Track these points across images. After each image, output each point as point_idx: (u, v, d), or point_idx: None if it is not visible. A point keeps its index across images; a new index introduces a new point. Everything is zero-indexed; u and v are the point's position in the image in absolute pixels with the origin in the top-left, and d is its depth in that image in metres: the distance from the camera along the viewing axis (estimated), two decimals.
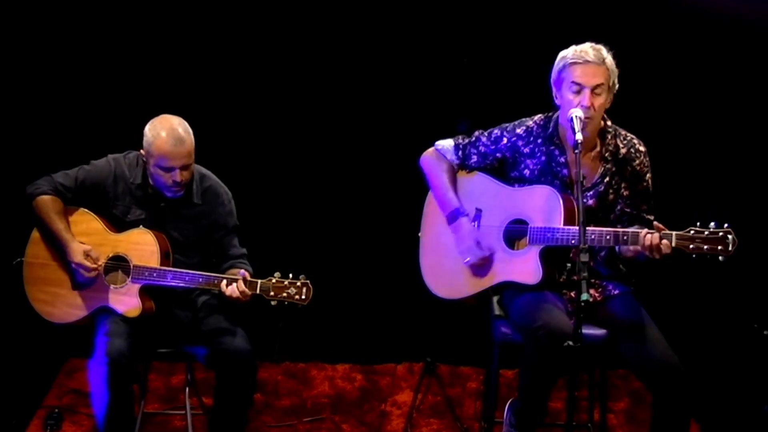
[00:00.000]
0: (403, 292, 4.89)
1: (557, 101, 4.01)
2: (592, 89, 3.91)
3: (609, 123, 4.08)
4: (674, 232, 3.77)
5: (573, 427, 3.75)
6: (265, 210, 5.29)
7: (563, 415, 3.89)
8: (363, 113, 5.45)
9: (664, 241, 3.77)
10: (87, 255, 4.12)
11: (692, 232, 3.74)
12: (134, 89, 5.27)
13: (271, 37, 5.37)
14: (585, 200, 3.78)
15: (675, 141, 5.23)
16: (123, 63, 5.29)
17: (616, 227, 3.93)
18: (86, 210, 4.22)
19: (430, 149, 4.28)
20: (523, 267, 4.01)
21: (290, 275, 3.98)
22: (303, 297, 3.97)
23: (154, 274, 4.09)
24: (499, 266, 4.08)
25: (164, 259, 4.11)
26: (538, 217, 4.00)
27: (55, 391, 5.08)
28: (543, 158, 4.08)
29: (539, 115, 4.15)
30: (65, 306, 4.20)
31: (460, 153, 4.21)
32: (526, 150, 4.11)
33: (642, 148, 4.08)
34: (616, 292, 4.10)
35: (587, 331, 3.89)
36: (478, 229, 4.14)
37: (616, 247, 4.02)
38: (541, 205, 4.01)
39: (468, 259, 4.13)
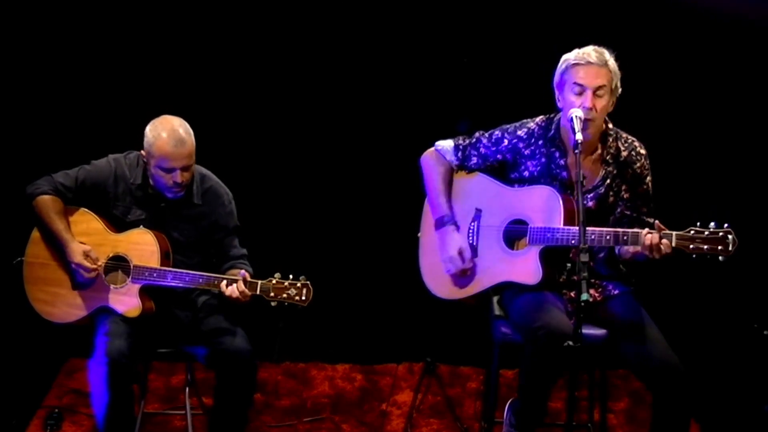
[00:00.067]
0: (403, 292, 4.89)
1: (559, 104, 4.01)
2: (594, 91, 3.91)
3: (610, 126, 4.08)
4: (674, 232, 3.77)
5: (573, 427, 3.75)
6: (265, 210, 5.29)
7: (563, 415, 3.89)
8: (363, 113, 5.45)
9: (664, 241, 3.77)
10: (87, 255, 4.12)
11: (692, 232, 3.74)
12: (135, 89, 5.27)
13: (272, 37, 5.37)
14: (585, 202, 3.78)
15: (675, 141, 5.23)
16: (124, 63, 5.29)
17: (615, 229, 3.93)
18: (86, 210, 4.22)
19: (431, 149, 4.28)
20: (523, 267, 4.01)
21: (290, 276, 3.98)
22: (303, 298, 3.97)
23: (154, 275, 4.09)
24: (499, 266, 4.08)
25: (164, 259, 4.11)
26: (538, 218, 4.00)
27: (55, 391, 5.08)
28: (543, 160, 4.08)
29: (541, 117, 4.15)
30: (65, 306, 4.20)
31: (459, 154, 4.21)
32: (527, 152, 4.10)
33: (643, 151, 4.09)
34: (616, 292, 4.10)
35: (587, 331, 3.89)
36: (477, 230, 4.15)
37: (616, 250, 4.03)
38: (541, 206, 4.01)
39: (449, 268, 4.15)
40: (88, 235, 4.18)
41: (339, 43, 5.38)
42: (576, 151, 3.80)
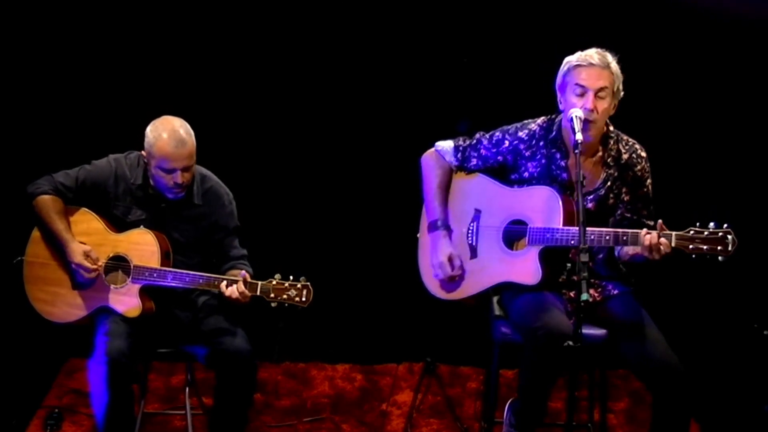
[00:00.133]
0: (403, 292, 4.89)
1: (561, 106, 4.01)
2: (596, 92, 3.91)
3: (611, 128, 4.08)
4: (674, 232, 3.77)
5: (573, 427, 3.75)
6: (265, 211, 5.29)
7: (563, 415, 3.89)
8: (363, 114, 5.45)
9: (663, 240, 3.76)
10: (87, 255, 4.12)
11: (692, 232, 3.74)
12: (136, 89, 5.27)
13: (272, 37, 5.37)
14: (584, 203, 3.78)
15: (675, 141, 5.23)
16: (125, 63, 5.29)
17: (615, 229, 3.93)
18: (87, 210, 4.23)
19: (431, 150, 4.28)
20: (523, 267, 4.01)
21: (290, 277, 3.98)
22: (303, 299, 3.97)
23: (155, 275, 4.09)
24: (499, 267, 4.09)
25: (164, 259, 4.11)
26: (538, 218, 4.01)
27: (55, 391, 5.08)
28: (543, 161, 4.08)
29: (542, 118, 4.15)
30: (65, 305, 4.20)
31: (459, 155, 4.21)
32: (527, 153, 4.10)
33: (643, 154, 4.09)
34: (616, 292, 4.10)
35: (587, 331, 3.89)
36: (476, 230, 4.15)
37: (616, 252, 4.03)
38: (541, 206, 4.01)
39: (437, 273, 4.16)
40: (88, 235, 4.18)
41: (339, 44, 5.38)
42: (576, 151, 3.80)
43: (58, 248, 4.17)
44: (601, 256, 4.10)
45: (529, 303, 3.96)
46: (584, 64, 3.93)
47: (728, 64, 5.26)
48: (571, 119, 3.88)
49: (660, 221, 3.81)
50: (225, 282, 4.01)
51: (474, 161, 4.20)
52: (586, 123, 3.90)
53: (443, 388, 5.12)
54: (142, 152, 4.14)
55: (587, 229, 3.70)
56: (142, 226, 4.17)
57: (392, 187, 5.28)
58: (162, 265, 4.10)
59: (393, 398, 5.13)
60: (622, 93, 3.98)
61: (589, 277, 3.58)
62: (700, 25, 5.22)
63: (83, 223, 4.20)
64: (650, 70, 5.12)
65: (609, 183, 4.06)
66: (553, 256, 4.00)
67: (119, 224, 4.21)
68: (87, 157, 4.29)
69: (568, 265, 4.07)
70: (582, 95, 3.93)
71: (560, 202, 3.96)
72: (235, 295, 3.98)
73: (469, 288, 4.17)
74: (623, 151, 4.07)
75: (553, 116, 4.12)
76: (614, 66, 3.94)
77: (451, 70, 5.38)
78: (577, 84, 3.93)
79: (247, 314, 4.14)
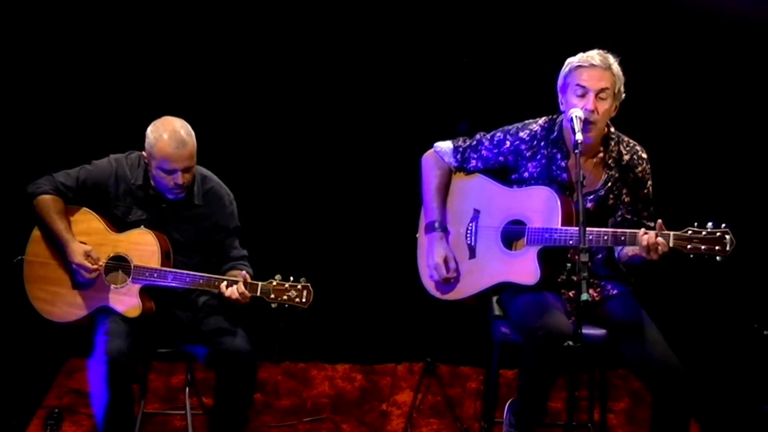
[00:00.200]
0: (403, 292, 4.89)
1: (562, 107, 4.01)
2: (597, 93, 3.91)
3: (612, 129, 4.08)
4: (672, 232, 3.77)
5: (573, 427, 3.74)
6: (266, 211, 5.29)
7: (563, 415, 3.89)
8: (363, 114, 5.45)
9: (661, 240, 3.76)
10: (87, 255, 4.12)
11: (690, 232, 3.74)
12: (136, 90, 5.27)
13: (272, 38, 5.37)
14: (584, 203, 3.77)
15: (675, 141, 5.23)
16: (125, 63, 5.29)
17: (614, 229, 3.93)
18: (88, 209, 4.23)
19: (430, 150, 4.29)
20: (522, 267, 4.01)
21: (291, 278, 3.98)
22: (304, 300, 3.96)
23: (155, 275, 4.09)
24: (498, 267, 4.09)
25: (165, 259, 4.11)
26: (537, 218, 4.01)
27: (55, 391, 5.08)
28: (543, 161, 4.08)
29: (543, 118, 4.15)
30: (65, 305, 4.20)
31: (458, 156, 4.21)
32: (528, 153, 4.10)
33: (644, 155, 4.09)
34: (615, 292, 4.11)
35: (587, 331, 3.89)
36: (475, 231, 4.15)
37: (616, 253, 4.03)
38: (540, 207, 4.01)
39: (432, 275, 4.17)
40: (88, 235, 4.19)
41: (339, 44, 5.38)
42: (576, 151, 3.80)
43: (58, 248, 4.18)
44: (600, 256, 4.10)
45: (529, 303, 3.96)
46: (586, 65, 3.93)
47: (728, 64, 5.26)
48: (572, 119, 3.88)
49: (659, 221, 3.81)
50: (225, 282, 4.01)
51: (474, 162, 4.20)
52: (586, 124, 3.90)
53: (443, 388, 5.12)
54: (143, 152, 4.14)
55: (586, 229, 3.70)
56: (142, 226, 4.17)
57: (392, 187, 5.28)
58: (162, 265, 4.10)
59: (393, 398, 5.13)
60: (623, 95, 3.98)
61: (588, 277, 3.58)
62: (700, 25, 5.22)
63: (84, 223, 4.21)
64: (650, 70, 5.12)
65: (609, 184, 4.06)
66: (551, 256, 4.00)
67: (120, 224, 4.21)
68: (88, 157, 4.29)
69: (568, 265, 4.07)
70: (583, 96, 3.93)
71: (559, 203, 3.96)
72: (235, 295, 3.98)
73: (467, 288, 4.17)
74: (624, 152, 4.07)
75: (555, 116, 4.12)
76: (616, 67, 3.95)
77: (451, 70, 5.38)
78: (578, 85, 3.93)
79: (247, 314, 4.14)
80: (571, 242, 3.90)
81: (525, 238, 4.02)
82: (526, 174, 4.11)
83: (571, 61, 3.97)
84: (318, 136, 5.46)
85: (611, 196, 4.07)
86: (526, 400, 3.99)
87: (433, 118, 5.23)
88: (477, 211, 4.17)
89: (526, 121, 4.17)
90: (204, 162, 4.23)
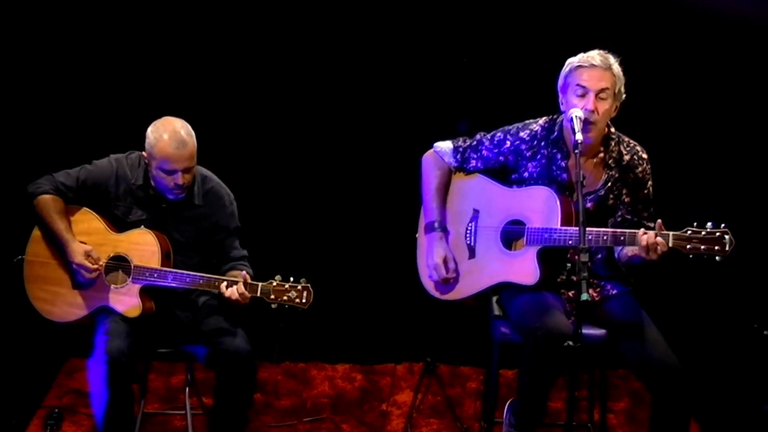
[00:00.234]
0: (403, 292, 4.89)
1: (562, 107, 4.01)
2: (597, 93, 3.91)
3: (613, 130, 4.08)
4: (671, 232, 3.76)
5: (573, 427, 3.74)
6: (266, 212, 5.29)
7: (563, 415, 3.89)
8: (363, 114, 5.45)
9: (660, 240, 3.76)
10: (88, 255, 4.12)
11: (689, 232, 3.74)
12: (137, 90, 5.27)
13: (272, 38, 5.38)
14: (584, 203, 3.77)
15: (675, 141, 5.23)
16: (126, 63, 5.29)
17: (613, 229, 3.93)
18: (88, 209, 4.23)
19: (430, 150, 4.29)
20: (521, 268, 4.01)
21: (291, 278, 3.98)
22: (304, 301, 3.96)
23: (155, 275, 4.09)
24: (497, 267, 4.09)
25: (165, 259, 4.11)
26: (536, 218, 4.01)
27: (55, 391, 5.08)
28: (543, 161, 4.08)
29: (544, 118, 4.15)
30: (65, 305, 4.20)
31: (458, 156, 4.21)
32: (528, 153, 4.10)
33: (645, 156, 4.09)
34: (615, 292, 4.11)
35: (586, 331, 3.89)
36: (475, 231, 4.16)
37: (615, 254, 4.03)
38: (539, 207, 4.01)
39: (431, 275, 4.17)
40: (88, 235, 4.19)
41: (339, 44, 5.38)
42: (576, 151, 3.81)
43: (58, 248, 4.18)
44: (600, 256, 4.10)
45: (528, 303, 3.96)
46: (586, 65, 3.93)
47: (728, 64, 5.26)
48: (572, 119, 3.88)
49: (659, 221, 3.81)
50: (225, 283, 4.01)
51: (473, 162, 4.20)
52: (586, 124, 3.90)
53: (443, 388, 5.12)
54: (143, 152, 4.14)
55: (585, 229, 3.69)
56: (142, 227, 4.17)
57: (392, 188, 5.28)
58: (162, 265, 4.10)
59: (393, 398, 5.13)
60: (624, 95, 3.98)
61: (588, 277, 3.58)
62: (700, 25, 5.22)
63: (84, 223, 4.21)
64: (650, 71, 5.12)
65: (609, 184, 4.06)
66: (551, 256, 4.00)
67: (120, 224, 4.21)
68: (88, 156, 4.29)
69: (568, 265, 4.07)
70: (583, 96, 3.93)
71: (558, 203, 3.96)
72: (235, 296, 3.97)
73: (467, 288, 4.17)
74: (624, 152, 4.07)
75: (555, 116, 4.12)
76: (616, 68, 3.95)
77: (451, 70, 5.38)
78: (578, 85, 3.93)
79: (247, 314, 4.14)
80: (570, 242, 3.91)
81: (524, 238, 4.02)
82: (526, 174, 4.11)
83: (572, 61, 3.98)
84: (318, 136, 5.46)
85: (611, 196, 4.07)
86: (525, 400, 3.99)
87: (433, 118, 5.23)
88: (476, 211, 4.17)
89: (527, 121, 4.17)
90: (204, 162, 4.23)
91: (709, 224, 3.72)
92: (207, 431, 4.41)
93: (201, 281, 4.05)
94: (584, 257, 3.57)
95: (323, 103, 5.44)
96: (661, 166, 4.20)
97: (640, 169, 4.06)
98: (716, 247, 3.70)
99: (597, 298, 4.09)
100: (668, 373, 3.83)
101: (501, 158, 4.15)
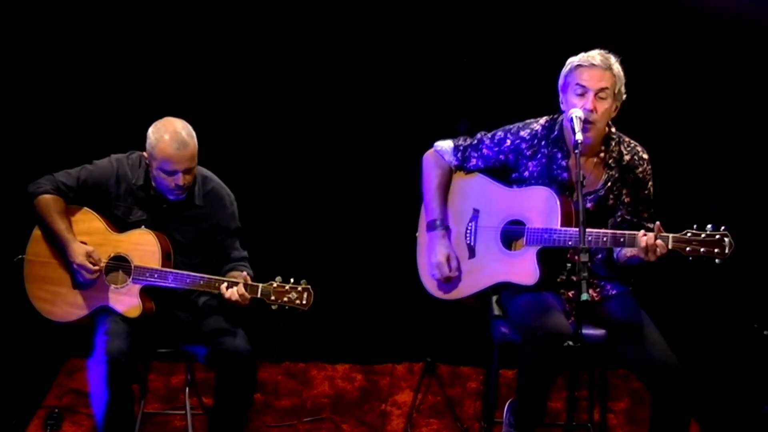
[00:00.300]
0: (403, 292, 4.89)
1: (562, 106, 4.02)
2: (596, 93, 3.91)
3: (613, 130, 4.09)
4: (671, 235, 3.77)
5: (573, 427, 3.75)
6: (266, 212, 5.29)
7: (563, 415, 3.89)
8: (363, 114, 5.45)
9: (659, 242, 3.76)
10: (89, 256, 4.12)
11: (689, 234, 3.74)
12: (138, 90, 5.27)
13: (272, 39, 5.37)
14: (584, 203, 3.77)
15: (675, 141, 5.23)
16: (127, 63, 5.28)
17: (613, 230, 3.93)
18: (89, 209, 4.23)
19: (430, 149, 4.29)
20: (521, 268, 4.01)
21: (291, 280, 3.98)
22: (304, 302, 3.96)
23: (155, 275, 4.09)
24: (497, 267, 4.09)
25: (165, 260, 4.11)
26: (536, 219, 4.01)
27: (55, 391, 5.08)
28: (544, 161, 4.08)
29: (545, 118, 4.15)
30: (65, 305, 4.20)
31: (459, 155, 4.21)
32: (529, 152, 4.11)
33: (645, 156, 4.08)
34: (614, 292, 4.11)
35: (586, 331, 3.90)
36: (475, 230, 4.16)
37: (615, 254, 4.03)
38: (539, 207, 4.01)
39: (434, 273, 4.17)
40: (89, 235, 4.19)
41: (339, 44, 5.38)
42: (576, 151, 3.81)
43: (59, 247, 4.18)
44: (600, 256, 4.10)
45: (528, 303, 3.96)
46: (586, 64, 3.93)
47: (728, 64, 5.26)
48: (572, 119, 3.89)
49: (658, 223, 3.81)
50: (225, 284, 4.01)
51: (474, 161, 4.20)
52: (585, 123, 3.90)
53: (443, 388, 5.12)
54: (144, 153, 4.14)
55: (585, 231, 3.70)
56: (143, 227, 4.17)
57: (392, 188, 5.28)
58: (163, 265, 4.10)
59: (393, 398, 5.13)
60: (624, 95, 3.98)
61: (588, 277, 3.58)
62: (700, 25, 5.22)
63: (84, 223, 4.21)
64: (651, 71, 5.12)
65: (609, 184, 4.06)
66: (551, 257, 4.00)
67: (120, 224, 4.21)
68: (89, 156, 4.29)
69: (568, 265, 4.07)
70: (583, 95, 3.93)
71: (558, 203, 3.97)
72: (235, 297, 3.97)
73: (467, 288, 4.17)
74: (625, 152, 4.07)
75: (556, 116, 4.12)
76: (616, 68, 3.95)
77: (451, 70, 5.38)
78: (578, 84, 3.94)
79: (247, 314, 4.14)
80: (570, 243, 3.91)
81: (524, 239, 4.02)
82: (526, 173, 4.11)
83: (572, 60, 3.98)
84: (318, 136, 5.46)
85: (611, 196, 4.07)
86: (525, 400, 3.99)
87: (433, 118, 5.23)
88: (476, 211, 4.17)
89: (528, 121, 4.17)
90: (205, 163, 4.23)
91: (709, 226, 3.72)
92: (207, 431, 4.41)
93: (201, 282, 4.05)
94: (584, 257, 3.58)
95: (323, 104, 5.44)
96: (661, 167, 4.20)
97: (640, 169, 4.06)
98: (716, 250, 3.70)
99: (597, 298, 4.09)
100: (668, 373, 3.83)
101: (501, 157, 4.15)
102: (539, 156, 4.09)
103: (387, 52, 5.38)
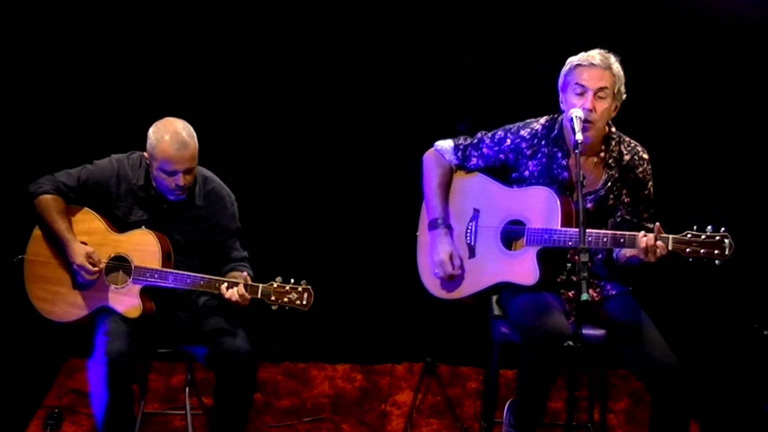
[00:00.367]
0: (403, 292, 4.89)
1: (562, 106, 4.02)
2: (595, 92, 3.91)
3: (613, 129, 4.09)
4: (671, 236, 3.77)
5: (573, 427, 3.75)
6: (267, 213, 5.29)
7: (563, 415, 3.90)
8: (363, 114, 5.45)
9: (659, 243, 3.76)
10: (89, 257, 4.11)
11: (689, 235, 3.74)
12: (138, 90, 5.27)
13: (273, 39, 5.37)
14: (584, 203, 3.78)
15: (675, 141, 5.23)
16: (127, 63, 5.28)
17: (613, 231, 3.93)
18: (89, 209, 4.23)
19: (431, 149, 4.29)
20: (521, 268, 4.02)
21: (292, 280, 3.98)
22: (304, 303, 3.96)
23: (156, 276, 4.09)
24: (497, 267, 4.09)
25: (165, 260, 4.11)
26: (536, 219, 4.01)
27: (55, 391, 5.08)
28: (544, 160, 4.08)
29: (545, 117, 4.15)
30: (65, 305, 4.20)
31: (459, 154, 4.21)
32: (529, 152, 4.11)
33: (645, 156, 4.08)
34: (614, 292, 4.11)
35: (586, 331, 3.90)
36: (475, 230, 4.16)
37: (614, 254, 4.03)
38: (539, 207, 4.01)
39: (437, 271, 4.16)
40: (89, 235, 4.19)
41: (339, 44, 5.37)
42: (576, 151, 3.81)
43: (59, 247, 4.18)
44: (600, 256, 4.10)
45: (528, 303, 3.97)
46: (585, 64, 3.94)
47: (728, 64, 5.26)
48: (572, 119, 3.89)
49: (657, 224, 3.81)
50: (225, 284, 4.01)
51: (474, 160, 4.20)
52: (585, 123, 3.90)
53: (443, 388, 5.12)
54: (145, 153, 4.14)
55: (585, 231, 3.70)
56: (143, 227, 4.17)
57: (392, 188, 5.28)
58: (163, 266, 4.10)
59: (393, 398, 5.13)
60: (624, 95, 3.98)
61: (588, 277, 3.58)
62: (700, 25, 5.22)
63: (85, 223, 4.21)
64: (651, 70, 5.12)
65: (609, 184, 4.06)
66: (551, 257, 4.01)
67: (121, 224, 4.21)
68: (89, 156, 4.29)
69: (568, 265, 4.07)
70: (582, 95, 3.94)
71: (558, 203, 3.97)
72: (235, 297, 3.97)
73: (467, 288, 4.18)
74: (625, 152, 4.07)
75: (556, 115, 4.12)
76: (616, 67, 3.95)
77: (451, 70, 5.38)
78: (577, 83, 3.94)
79: (247, 314, 4.14)
80: (570, 243, 3.91)
81: (524, 239, 4.02)
82: (526, 173, 4.11)
83: (572, 60, 3.99)
84: (318, 136, 5.46)
85: (611, 196, 4.07)
86: (525, 400, 3.99)
87: (433, 118, 5.23)
88: (477, 211, 4.18)
89: (528, 120, 4.17)
90: (205, 163, 4.23)
91: (709, 228, 3.72)
92: (207, 431, 4.41)
93: (201, 282, 4.05)
94: (584, 257, 3.58)
95: (324, 104, 5.44)
96: (662, 167, 4.20)
97: (640, 169, 4.06)
98: (716, 251, 3.71)
99: (597, 299, 4.10)
100: (668, 374, 3.84)
101: (501, 156, 4.15)
102: (539, 155, 4.09)
103: (387, 52, 5.38)
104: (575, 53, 4.00)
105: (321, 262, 5.29)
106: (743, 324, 5.22)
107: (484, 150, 4.18)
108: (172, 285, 4.07)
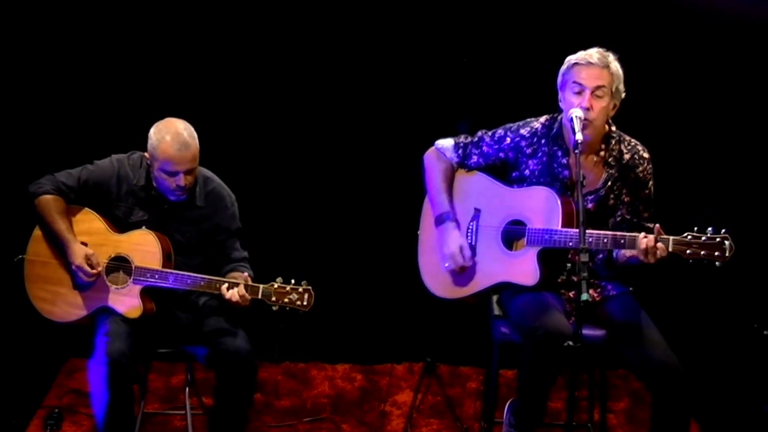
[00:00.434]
0: (403, 292, 4.90)
1: (561, 104, 4.02)
2: (593, 91, 3.92)
3: (613, 128, 4.09)
4: (671, 237, 3.77)
5: (573, 427, 3.75)
6: (267, 213, 5.29)
7: (563, 415, 3.89)
8: (363, 114, 5.45)
9: (660, 245, 3.76)
10: (88, 259, 4.11)
11: (689, 237, 3.74)
12: (139, 90, 5.27)
13: (273, 39, 5.37)
14: (584, 203, 3.78)
15: (675, 141, 5.23)
16: (128, 63, 5.28)
17: (614, 232, 3.93)
18: (89, 209, 4.22)
19: (431, 148, 4.29)
20: (521, 268, 4.02)
21: (292, 281, 3.98)
22: (305, 303, 3.96)
23: (156, 276, 4.09)
24: (498, 267, 4.09)
25: (166, 260, 4.11)
26: (537, 219, 4.01)
27: (55, 391, 5.08)
28: (545, 159, 4.09)
29: (545, 116, 4.15)
30: (66, 305, 4.20)
31: (460, 152, 4.21)
32: (529, 150, 4.11)
33: (646, 155, 4.08)
34: (615, 292, 4.11)
35: (586, 331, 3.90)
36: (476, 230, 4.16)
37: (614, 254, 4.03)
38: (540, 207, 4.01)
39: (447, 264, 4.16)
40: (90, 235, 4.18)
41: (339, 44, 5.38)
42: (576, 151, 3.81)
43: (59, 248, 4.17)
44: (600, 256, 4.10)
45: (528, 303, 3.97)
46: (583, 62, 3.94)
47: (728, 64, 5.26)
48: (571, 119, 3.89)
49: (657, 225, 3.81)
50: (226, 285, 4.01)
51: (475, 158, 4.20)
52: (584, 123, 3.90)
53: (443, 388, 5.12)
54: (145, 153, 4.13)
55: (586, 231, 3.70)
56: (144, 227, 4.17)
57: (392, 188, 5.29)
58: (163, 266, 4.10)
59: (393, 398, 5.13)
60: (623, 94, 3.98)
61: (588, 277, 3.58)
62: (700, 25, 5.22)
63: (85, 223, 4.21)
64: (650, 70, 5.13)
65: (609, 183, 4.06)
66: (551, 257, 4.01)
67: (121, 225, 4.20)
68: (90, 156, 4.29)
69: (568, 265, 4.07)
70: (580, 93, 3.94)
71: (559, 203, 3.97)
72: (236, 298, 3.97)
73: (468, 287, 4.17)
74: (625, 151, 4.07)
75: (556, 114, 4.13)
76: (614, 66, 3.95)
77: (451, 70, 5.38)
78: (575, 82, 3.94)
79: (247, 314, 4.14)
80: (570, 244, 3.91)
81: (525, 239, 4.02)
82: (527, 171, 4.11)
83: (570, 58, 4.00)
84: (319, 137, 5.46)
85: (611, 195, 4.07)
86: (525, 400, 4.00)
87: (434, 117, 5.23)
88: (478, 211, 4.18)
89: (528, 119, 4.18)
90: (206, 163, 4.23)
91: (709, 229, 3.72)
92: (207, 431, 4.41)
93: (202, 282, 4.05)
94: (584, 257, 3.58)
95: (324, 104, 5.44)
96: (662, 167, 4.20)
97: (640, 168, 4.06)
98: (716, 253, 3.70)
99: (597, 299, 4.10)
100: (668, 374, 3.84)
101: (501, 155, 4.16)
102: (540, 154, 4.09)
103: (387, 53, 5.38)
104: (575, 53, 4.00)
105: (321, 262, 5.29)
106: (743, 324, 5.22)
107: (485, 148, 4.18)
108: (172, 285, 4.07)
